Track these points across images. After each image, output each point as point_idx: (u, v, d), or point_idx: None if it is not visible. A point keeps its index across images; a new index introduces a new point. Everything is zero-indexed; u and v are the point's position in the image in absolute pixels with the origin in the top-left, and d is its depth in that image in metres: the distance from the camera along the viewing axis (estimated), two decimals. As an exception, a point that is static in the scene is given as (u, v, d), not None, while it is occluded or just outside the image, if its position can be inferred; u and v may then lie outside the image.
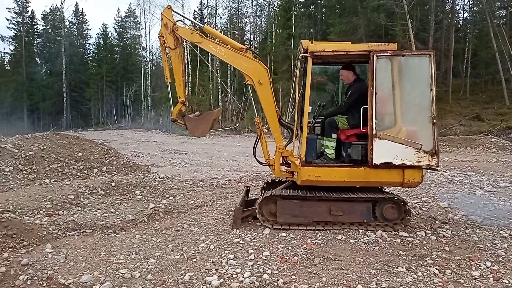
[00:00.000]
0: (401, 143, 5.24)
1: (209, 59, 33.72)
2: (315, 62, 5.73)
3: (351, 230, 5.32)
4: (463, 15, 39.27)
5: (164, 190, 8.17)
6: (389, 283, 3.81)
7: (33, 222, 5.51)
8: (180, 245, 4.92)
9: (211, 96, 41.72)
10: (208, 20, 51.00)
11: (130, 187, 7.98)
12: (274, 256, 4.44)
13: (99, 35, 63.69)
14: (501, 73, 27.32)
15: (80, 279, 3.89)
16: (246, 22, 48.71)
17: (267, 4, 46.57)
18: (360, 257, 4.45)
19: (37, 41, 64.07)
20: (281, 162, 6.04)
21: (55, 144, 9.63)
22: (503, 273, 4.10)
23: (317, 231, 5.31)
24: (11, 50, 62.02)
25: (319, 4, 38.97)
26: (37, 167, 8.59)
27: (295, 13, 38.20)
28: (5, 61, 67.56)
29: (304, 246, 4.77)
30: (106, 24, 64.81)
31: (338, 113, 5.96)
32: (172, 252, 4.65)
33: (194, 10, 62.65)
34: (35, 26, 62.72)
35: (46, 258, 4.46)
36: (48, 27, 63.50)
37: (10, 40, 60.53)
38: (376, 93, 5.25)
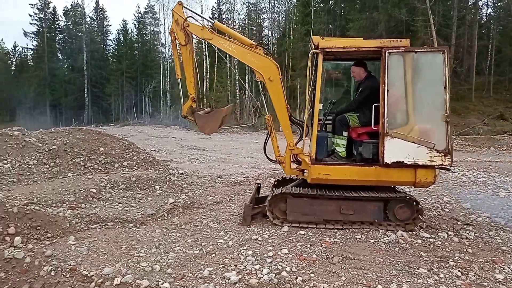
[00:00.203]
0: (414, 142, 5.15)
1: (227, 55, 33.75)
2: (326, 59, 5.67)
3: (371, 230, 5.27)
4: (487, 10, 38.20)
5: (183, 186, 8.25)
6: (410, 285, 3.76)
7: (56, 215, 5.63)
8: (199, 240, 4.97)
9: (229, 92, 41.80)
10: (226, 16, 51.08)
11: (150, 182, 8.10)
12: (293, 254, 4.45)
13: (119, 31, 64.67)
14: (526, 71, 26.51)
15: (102, 271, 3.96)
16: (264, 18, 48.51)
17: (285, 0, 46.31)
18: (380, 257, 4.40)
19: (59, 37, 65.54)
20: (291, 160, 6.02)
21: (77, 139, 9.84)
22: (528, 277, 4.00)
23: (335, 230, 5.28)
24: (33, 45, 63.72)
25: (338, -1, 38.57)
26: (60, 161, 8.79)
27: (314, 8, 37.88)
28: (28, 57, 69.42)
29: (323, 244, 4.75)
30: (126, 20, 65.56)
31: (348, 110, 5.88)
32: (191, 247, 4.70)
33: (213, 6, 62.97)
34: (56, 22, 64.28)
35: (69, 250, 4.57)
36: (69, 23, 64.79)
37: (33, 36, 62.20)
38: (388, 91, 5.16)
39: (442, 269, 4.15)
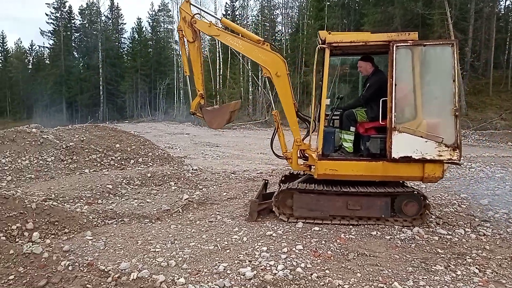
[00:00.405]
0: (422, 137, 5.09)
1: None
2: (333, 54, 5.65)
3: (386, 226, 5.22)
4: (505, 3, 37.25)
5: (198, 182, 8.31)
6: (426, 281, 3.72)
7: (74, 210, 5.74)
8: (214, 236, 5.00)
9: (241, 89, 41.84)
10: (239, 12, 51.07)
11: (165, 178, 8.17)
12: (307, 250, 4.44)
13: (134, 29, 65.21)
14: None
15: (119, 266, 4.01)
16: (278, 13, 48.35)
17: (299, -5, 46.01)
18: (396, 253, 4.37)
19: (75, 36, 66.33)
20: (298, 156, 6.01)
21: (94, 136, 10.00)
22: (548, 275, 3.92)
23: (350, 226, 5.25)
24: (50, 44, 64.76)
25: (352, -6, 38.10)
26: (77, 158, 8.94)
27: (328, 3, 37.51)
28: (45, 55, 70.59)
29: (338, 241, 4.73)
30: (140, 18, 66.26)
31: (356, 106, 5.83)
32: (206, 243, 4.73)
33: (226, 3, 62.94)
34: (72, 21, 64.99)
35: (86, 245, 4.64)
36: (85, 22, 65.57)
37: (50, 34, 63.17)
38: (396, 85, 5.10)
39: (459, 266, 4.10)
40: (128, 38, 67.20)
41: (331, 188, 5.39)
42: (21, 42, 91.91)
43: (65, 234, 5.05)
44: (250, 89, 40.28)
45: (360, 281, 3.72)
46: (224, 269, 3.94)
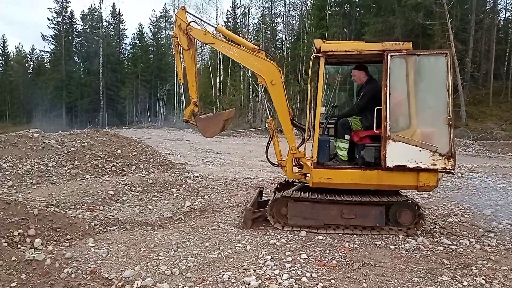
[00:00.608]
0: (416, 146, 5.11)
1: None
2: (328, 62, 5.69)
3: (390, 236, 5.20)
4: (505, 14, 37.56)
5: (199, 189, 8.27)
6: (433, 292, 3.69)
7: (76, 217, 5.67)
8: (217, 244, 4.96)
9: (242, 96, 41.92)
10: (241, 20, 51.37)
11: (167, 185, 8.13)
12: (312, 259, 4.41)
13: (135, 35, 65.45)
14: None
15: (123, 274, 3.98)
16: (279, 21, 48.63)
17: (300, 4, 46.32)
18: (401, 264, 4.34)
19: (76, 41, 66.50)
20: (293, 164, 6.00)
21: (95, 141, 9.97)
22: (556, 287, 3.89)
23: (354, 236, 5.22)
24: (51, 49, 64.86)
25: (354, 3, 38.32)
26: (79, 163, 8.91)
27: (329, 12, 37.76)
28: (45, 60, 70.75)
29: (342, 250, 4.70)
30: (142, 24, 66.53)
31: (350, 114, 5.86)
32: (209, 251, 4.70)
33: (227, 10, 63.28)
34: (74, 26, 65.18)
35: (89, 252, 4.59)
36: (86, 27, 65.77)
37: (51, 39, 63.33)
38: (390, 94, 5.13)
39: (465, 277, 4.08)
40: (129, 44, 67.51)
41: (326, 196, 5.39)
42: (22, 46, 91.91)
43: (67, 240, 5.00)
44: (250, 96, 40.37)
45: (366, 292, 3.69)
46: (228, 278, 3.91)
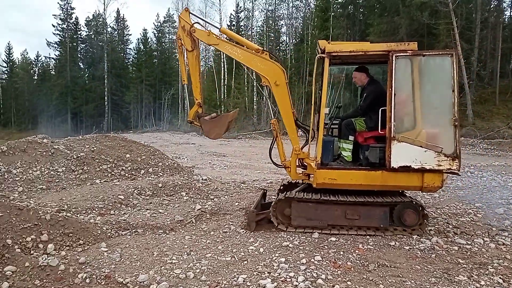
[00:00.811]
0: (421, 146, 5.08)
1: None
2: (333, 63, 5.67)
3: (404, 236, 5.16)
4: (510, 12, 37.38)
5: (209, 192, 8.26)
6: (451, 293, 3.65)
7: (87, 221, 5.67)
8: (229, 246, 4.94)
9: (246, 98, 41.96)
10: (245, 22, 51.46)
11: (176, 188, 8.13)
12: (327, 261, 4.38)
13: (139, 40, 65.76)
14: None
15: (137, 278, 3.96)
16: (282, 24, 48.71)
17: (303, 6, 46.38)
18: (417, 264, 4.30)
19: (81, 47, 66.94)
20: (297, 164, 5.98)
21: (104, 146, 10.00)
22: None
23: (368, 237, 5.19)
24: (56, 55, 65.33)
25: (357, 4, 38.28)
26: (88, 168, 8.93)
27: (333, 14, 37.74)
28: (50, 66, 71.22)
29: (356, 251, 4.67)
30: (146, 29, 66.73)
31: (355, 115, 5.85)
32: (222, 254, 4.68)
33: (231, 14, 63.45)
34: (79, 32, 65.65)
35: (102, 257, 4.57)
36: (91, 33, 66.24)
37: (56, 45, 63.81)
38: (395, 94, 5.10)
39: (482, 276, 4.04)
40: (134, 49, 67.84)
41: (329, 197, 5.36)
42: (27, 53, 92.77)
43: (80, 245, 4.98)
44: (254, 99, 40.38)
45: (383, 293, 3.66)
46: (243, 281, 3.89)
